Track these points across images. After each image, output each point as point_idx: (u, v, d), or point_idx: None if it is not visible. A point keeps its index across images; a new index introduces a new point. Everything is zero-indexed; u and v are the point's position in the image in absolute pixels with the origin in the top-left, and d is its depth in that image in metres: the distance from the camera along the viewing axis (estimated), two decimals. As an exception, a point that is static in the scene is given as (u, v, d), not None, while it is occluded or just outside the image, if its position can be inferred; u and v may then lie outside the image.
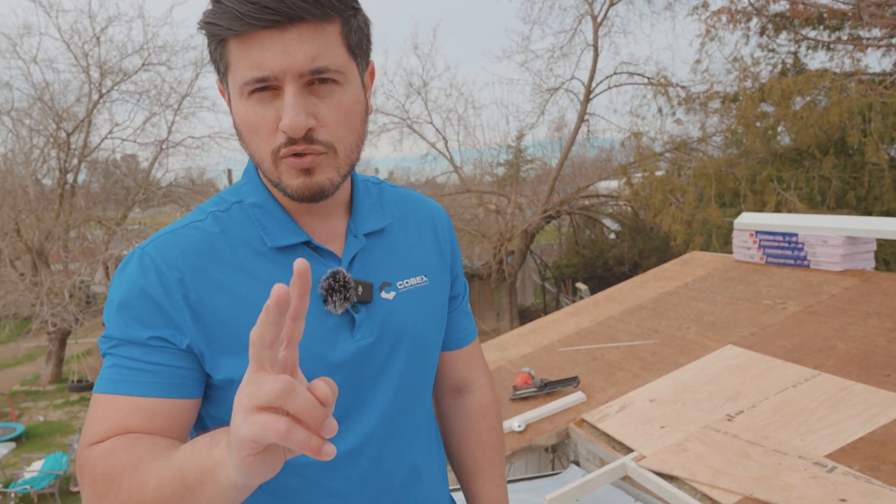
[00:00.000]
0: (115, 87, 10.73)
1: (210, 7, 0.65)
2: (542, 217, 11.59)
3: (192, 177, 12.61)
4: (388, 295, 0.80)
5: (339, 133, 0.69)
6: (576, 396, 2.65)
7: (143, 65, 11.01)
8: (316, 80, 0.66)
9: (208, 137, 12.27)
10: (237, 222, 0.75)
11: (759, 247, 3.80)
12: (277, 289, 0.43)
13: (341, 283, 0.74)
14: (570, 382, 2.78)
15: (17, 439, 7.27)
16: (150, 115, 11.33)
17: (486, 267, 11.89)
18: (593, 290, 12.35)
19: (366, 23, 0.71)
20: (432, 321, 0.86)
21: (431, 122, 12.66)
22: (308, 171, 0.68)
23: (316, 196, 0.70)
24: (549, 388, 2.78)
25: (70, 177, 10.38)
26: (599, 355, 3.13)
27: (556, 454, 2.72)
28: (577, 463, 2.44)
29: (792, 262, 3.58)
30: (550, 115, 28.06)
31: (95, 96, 10.46)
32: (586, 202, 13.08)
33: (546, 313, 12.88)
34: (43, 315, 8.50)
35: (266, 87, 0.65)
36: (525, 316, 12.91)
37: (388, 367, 0.80)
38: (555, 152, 15.19)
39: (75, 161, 10.40)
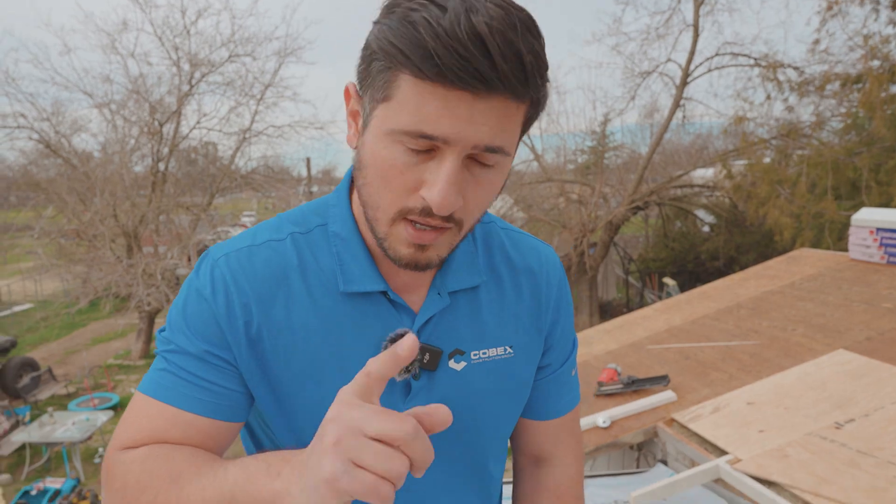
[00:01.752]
0: (204, 79, 11.20)
1: (395, 25, 0.53)
2: (629, 208, 11.12)
3: (269, 164, 12.96)
4: (458, 365, 0.72)
5: (475, 213, 0.62)
6: (665, 395, 2.58)
7: (230, 56, 11.31)
8: (478, 157, 0.58)
9: (288, 126, 12.38)
10: (315, 252, 0.70)
11: (881, 245, 3.46)
12: (412, 340, 0.47)
13: None
14: (660, 381, 2.71)
15: (112, 408, 7.99)
16: (235, 104, 11.72)
17: (566, 259, 11.62)
18: (683, 286, 11.73)
19: (546, 99, 0.60)
20: (505, 397, 0.77)
21: (514, 110, 12.43)
22: (422, 247, 0.62)
23: (420, 269, 0.64)
24: (636, 386, 2.73)
25: (161, 165, 11.08)
26: (692, 354, 3.01)
27: (641, 452, 2.66)
28: (664, 462, 2.39)
29: (919, 262, 3.24)
30: (642, 99, 26.76)
31: (185, 88, 11.00)
32: (678, 192, 12.39)
33: (629, 308, 12.42)
34: (139, 295, 9.19)
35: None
36: (606, 311, 12.54)
37: (435, 443, 0.75)
38: (645, 139, 14.50)
39: (166, 150, 11.07)
